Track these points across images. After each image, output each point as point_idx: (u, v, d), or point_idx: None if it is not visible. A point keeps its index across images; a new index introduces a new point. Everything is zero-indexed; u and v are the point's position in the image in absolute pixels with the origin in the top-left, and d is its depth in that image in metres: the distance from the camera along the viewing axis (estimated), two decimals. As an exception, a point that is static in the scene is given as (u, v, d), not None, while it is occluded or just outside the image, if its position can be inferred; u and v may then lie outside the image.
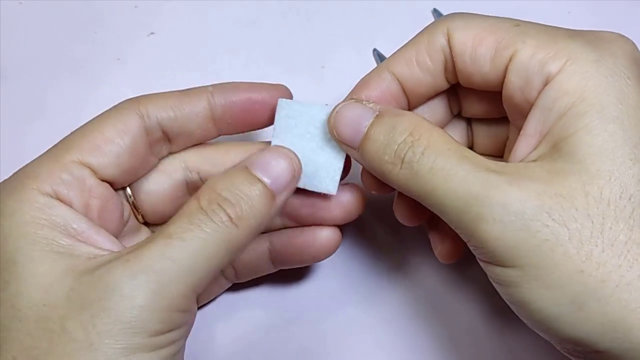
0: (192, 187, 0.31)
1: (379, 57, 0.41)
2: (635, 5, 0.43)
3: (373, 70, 0.29)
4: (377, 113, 0.27)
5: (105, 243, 0.26)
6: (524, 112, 0.26)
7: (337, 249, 0.31)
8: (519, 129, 0.26)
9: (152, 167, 0.30)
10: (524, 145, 0.25)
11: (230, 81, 0.31)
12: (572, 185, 0.23)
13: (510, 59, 0.26)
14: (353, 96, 0.29)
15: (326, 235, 0.31)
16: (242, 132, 0.31)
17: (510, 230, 0.23)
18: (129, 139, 0.28)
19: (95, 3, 0.43)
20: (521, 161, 0.25)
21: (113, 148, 0.27)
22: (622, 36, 0.26)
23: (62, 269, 0.24)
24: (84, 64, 0.41)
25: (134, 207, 0.30)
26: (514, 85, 0.26)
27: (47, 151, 0.28)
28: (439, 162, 0.24)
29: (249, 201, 0.25)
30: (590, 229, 0.22)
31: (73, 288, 0.23)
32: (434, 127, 0.26)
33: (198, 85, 0.30)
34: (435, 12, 0.43)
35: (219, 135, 0.31)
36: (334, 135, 0.28)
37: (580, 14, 0.43)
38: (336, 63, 0.42)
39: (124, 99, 0.29)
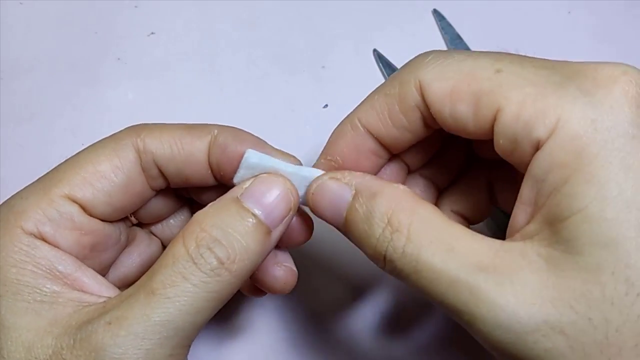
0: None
1: (379, 57, 0.41)
2: (635, 5, 0.43)
3: (345, 122, 0.26)
4: (353, 192, 0.24)
5: (94, 285, 0.24)
6: (519, 167, 0.23)
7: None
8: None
9: (150, 198, 0.28)
10: (522, 214, 0.22)
11: (237, 128, 0.27)
12: (570, 284, 0.20)
13: (495, 119, 0.22)
14: (327, 156, 0.26)
15: None
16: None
17: (505, 342, 0.21)
18: (124, 176, 0.26)
19: (95, 3, 0.43)
20: (520, 232, 0.22)
21: (105, 185, 0.25)
22: (626, 72, 0.21)
23: (45, 323, 0.22)
24: (84, 64, 0.41)
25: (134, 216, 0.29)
26: (503, 147, 0.22)
27: (37, 181, 0.26)
28: (422, 261, 0.22)
29: (242, 240, 0.23)
30: (593, 334, 0.20)
31: (55, 351, 0.22)
32: (415, 207, 0.23)
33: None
34: (436, 12, 0.43)
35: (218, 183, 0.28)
36: (316, 214, 0.26)
37: (580, 14, 0.43)
38: (336, 63, 0.42)
39: (125, 127, 0.27)
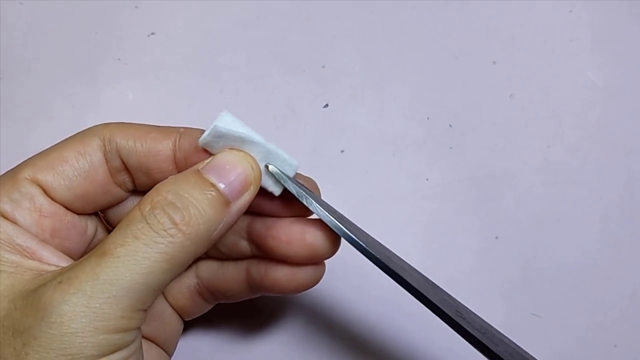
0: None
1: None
2: (637, 5, 0.43)
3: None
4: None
5: (53, 259, 0.25)
6: None
7: (313, 285, 0.29)
8: None
9: (119, 200, 0.29)
10: None
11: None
12: None
13: None
14: None
15: (302, 274, 0.28)
16: None
17: None
18: (85, 162, 0.27)
19: (95, 3, 0.43)
20: None
21: (66, 168, 0.26)
22: None
23: (2, 289, 0.23)
24: (84, 64, 0.41)
25: (106, 222, 0.29)
26: None
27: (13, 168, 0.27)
28: None
29: (198, 205, 0.24)
30: None
31: (7, 312, 0.22)
32: None
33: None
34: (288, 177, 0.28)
35: None
36: None
37: (581, 13, 0.43)
38: (336, 63, 0.42)
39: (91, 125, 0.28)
